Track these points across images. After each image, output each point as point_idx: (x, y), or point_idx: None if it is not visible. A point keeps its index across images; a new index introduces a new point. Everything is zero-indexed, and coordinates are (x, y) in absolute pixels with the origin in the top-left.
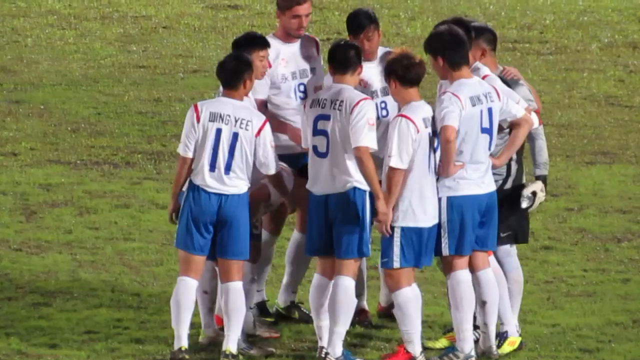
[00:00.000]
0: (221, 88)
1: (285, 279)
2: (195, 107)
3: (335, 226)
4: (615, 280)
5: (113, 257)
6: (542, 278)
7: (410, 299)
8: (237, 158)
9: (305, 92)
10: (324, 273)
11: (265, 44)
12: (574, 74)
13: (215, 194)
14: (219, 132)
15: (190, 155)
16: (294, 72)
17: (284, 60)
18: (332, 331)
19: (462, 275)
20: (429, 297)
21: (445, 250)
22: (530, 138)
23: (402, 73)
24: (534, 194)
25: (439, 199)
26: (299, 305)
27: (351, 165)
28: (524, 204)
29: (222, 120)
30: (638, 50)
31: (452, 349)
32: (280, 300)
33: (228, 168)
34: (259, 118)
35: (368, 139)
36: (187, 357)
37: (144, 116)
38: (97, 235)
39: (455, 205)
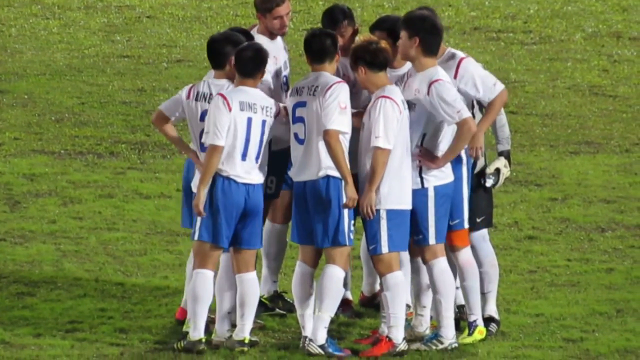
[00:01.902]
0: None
1: (264, 271)
2: (224, 97)
3: (311, 214)
4: (599, 270)
5: (97, 247)
6: (526, 268)
7: (401, 282)
8: (264, 146)
9: (287, 83)
10: (305, 261)
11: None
12: (558, 64)
13: (243, 184)
14: (249, 121)
15: (222, 143)
16: (280, 67)
17: (275, 58)
18: (317, 317)
19: (444, 262)
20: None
21: (432, 240)
22: None
23: (370, 59)
24: (498, 170)
25: (425, 189)
26: (282, 295)
27: (325, 151)
28: (489, 183)
29: (252, 109)
30: (622, 40)
31: (435, 335)
32: (263, 291)
33: (258, 157)
34: (275, 103)
35: (338, 122)
36: (205, 348)
37: (128, 106)
38: (81, 225)
39: (441, 194)
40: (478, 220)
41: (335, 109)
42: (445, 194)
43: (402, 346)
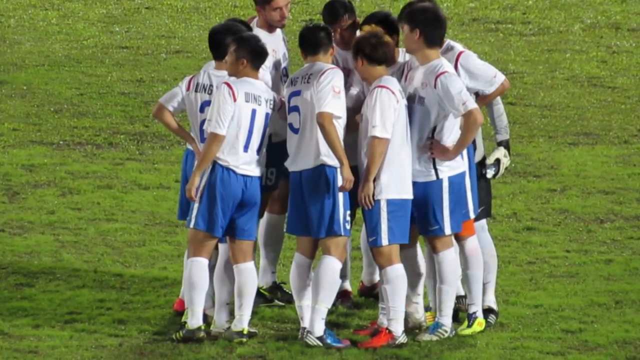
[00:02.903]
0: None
1: (262, 262)
2: (230, 86)
3: (306, 204)
4: (598, 261)
5: (96, 238)
6: (525, 259)
7: (401, 275)
8: (266, 138)
9: (287, 75)
10: (303, 252)
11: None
12: (556, 55)
13: (242, 175)
14: (254, 113)
15: (223, 132)
16: (279, 59)
17: (274, 51)
18: (314, 309)
19: (454, 253)
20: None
21: (448, 230)
22: (489, 104)
23: (369, 52)
24: (498, 161)
25: (440, 180)
26: (281, 286)
27: (321, 139)
28: (490, 173)
29: (256, 101)
30: (620, 31)
31: (437, 325)
32: (262, 283)
33: (259, 149)
34: (276, 95)
35: (331, 106)
36: (205, 335)
37: (127, 97)
38: (80, 216)
39: (455, 184)
40: (478, 210)
41: (329, 92)
42: (458, 183)
43: (402, 339)
